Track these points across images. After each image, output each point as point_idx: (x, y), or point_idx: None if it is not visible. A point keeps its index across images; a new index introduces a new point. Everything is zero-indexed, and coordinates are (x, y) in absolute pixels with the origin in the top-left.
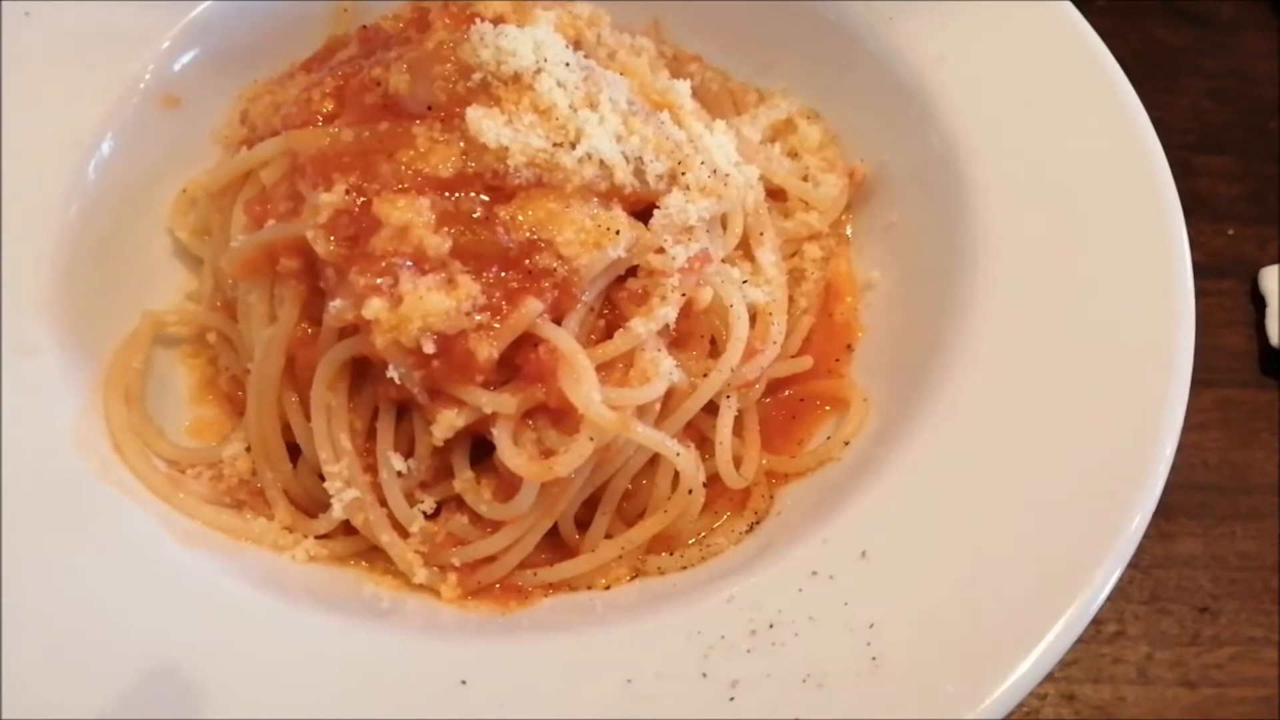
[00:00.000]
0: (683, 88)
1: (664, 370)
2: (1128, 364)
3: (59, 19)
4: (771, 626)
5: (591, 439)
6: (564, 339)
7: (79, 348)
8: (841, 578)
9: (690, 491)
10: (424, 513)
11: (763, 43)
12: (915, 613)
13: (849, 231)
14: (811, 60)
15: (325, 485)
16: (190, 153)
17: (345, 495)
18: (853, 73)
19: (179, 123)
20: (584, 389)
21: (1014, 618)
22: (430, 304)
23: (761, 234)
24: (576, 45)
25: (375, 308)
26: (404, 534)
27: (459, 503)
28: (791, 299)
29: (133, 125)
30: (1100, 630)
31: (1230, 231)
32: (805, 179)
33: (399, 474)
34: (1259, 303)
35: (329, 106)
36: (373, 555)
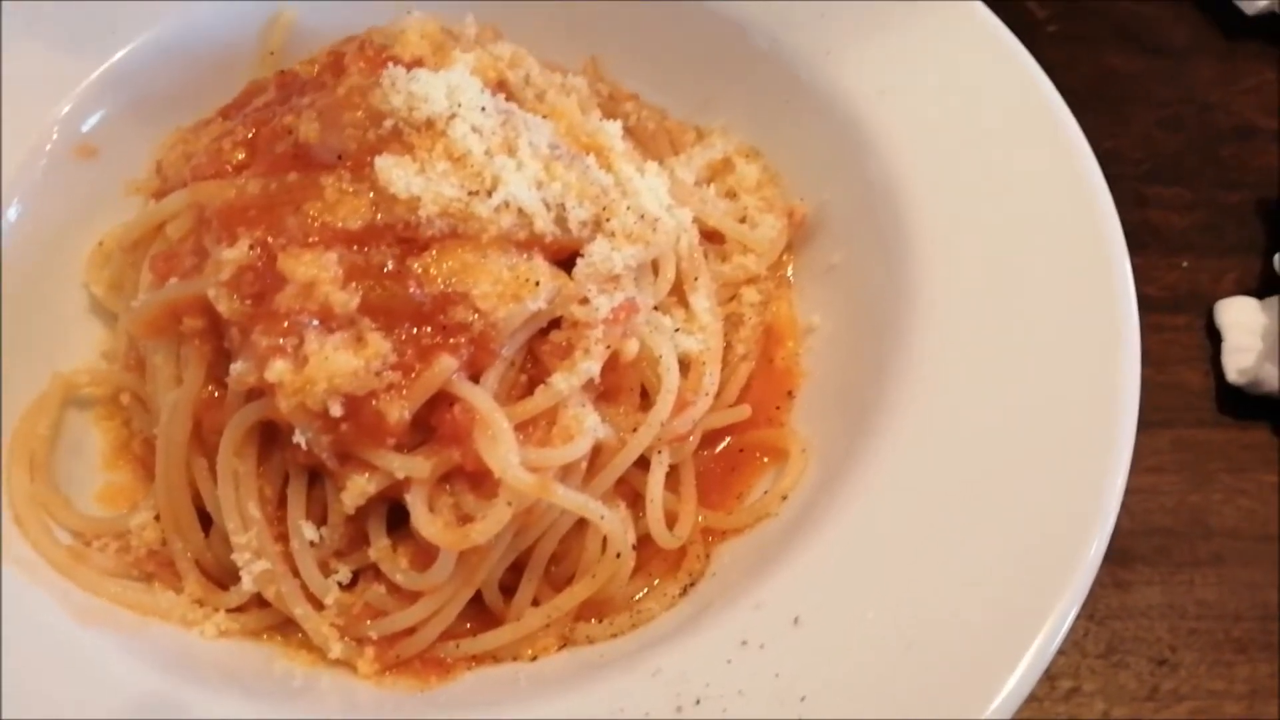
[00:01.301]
0: (613, 129)
1: (588, 427)
2: (1073, 405)
3: None
4: (698, 702)
5: (510, 504)
6: (480, 397)
7: None
8: (772, 646)
9: (619, 555)
10: (339, 583)
11: (701, 79)
12: (849, 684)
13: (789, 273)
14: (750, 96)
15: (234, 556)
16: (107, 204)
17: (255, 567)
18: (791, 108)
19: (95, 172)
20: (501, 451)
21: (957, 683)
22: (336, 364)
23: (696, 279)
24: (500, 87)
25: (279, 370)
26: (319, 606)
27: (376, 572)
28: (729, 345)
29: (44, 179)
30: (1055, 687)
31: (1185, 264)
32: (743, 220)
33: (311, 543)
34: (1215, 337)
35: (240, 156)
36: (288, 628)
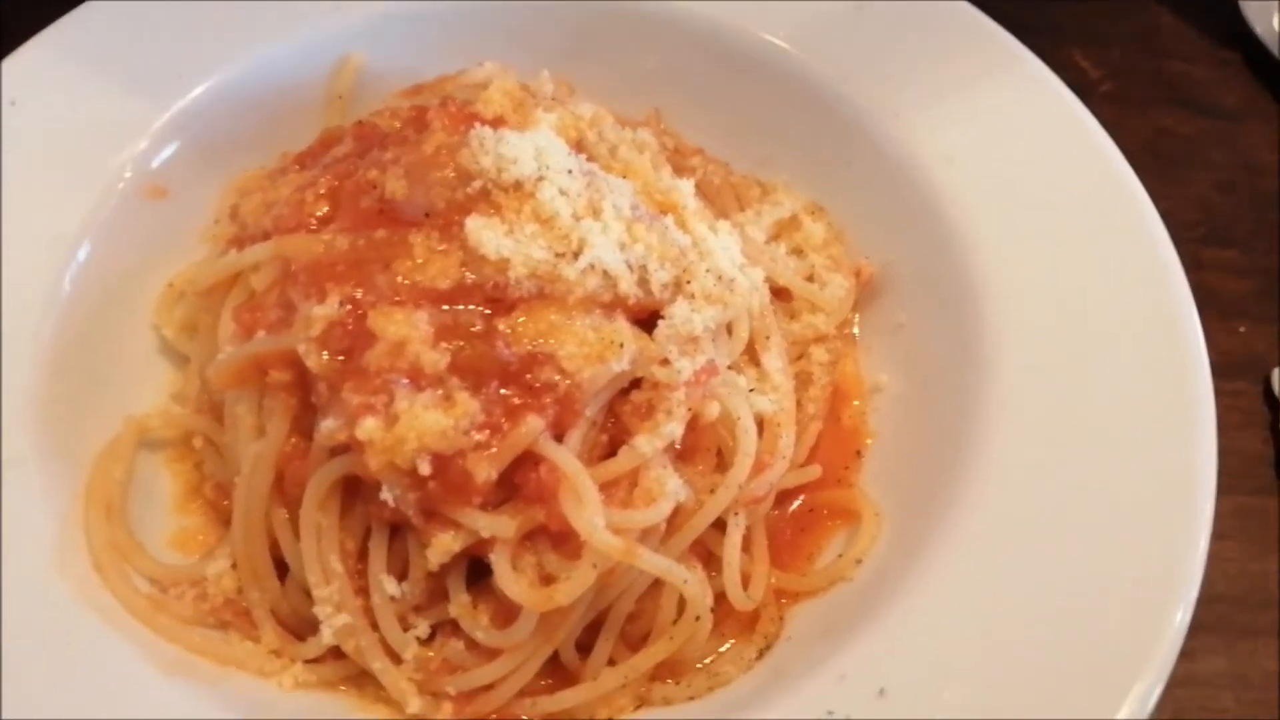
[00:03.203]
0: (686, 187)
1: (670, 490)
2: (1151, 473)
3: (43, 111)
4: None
5: (595, 566)
6: (566, 459)
7: (59, 457)
8: (859, 716)
9: (698, 618)
10: (418, 638)
11: (764, 134)
12: None
13: (855, 332)
14: (814, 153)
15: (315, 609)
16: (176, 244)
17: (336, 620)
18: (855, 167)
19: (165, 214)
20: (587, 513)
21: None
22: (427, 423)
23: (768, 338)
24: (578, 146)
25: (369, 428)
26: (397, 660)
27: (454, 626)
28: (799, 404)
29: (115, 221)
30: None
31: (1241, 329)
32: (810, 278)
33: (392, 598)
34: (1272, 403)
35: (323, 209)
36: (363, 680)
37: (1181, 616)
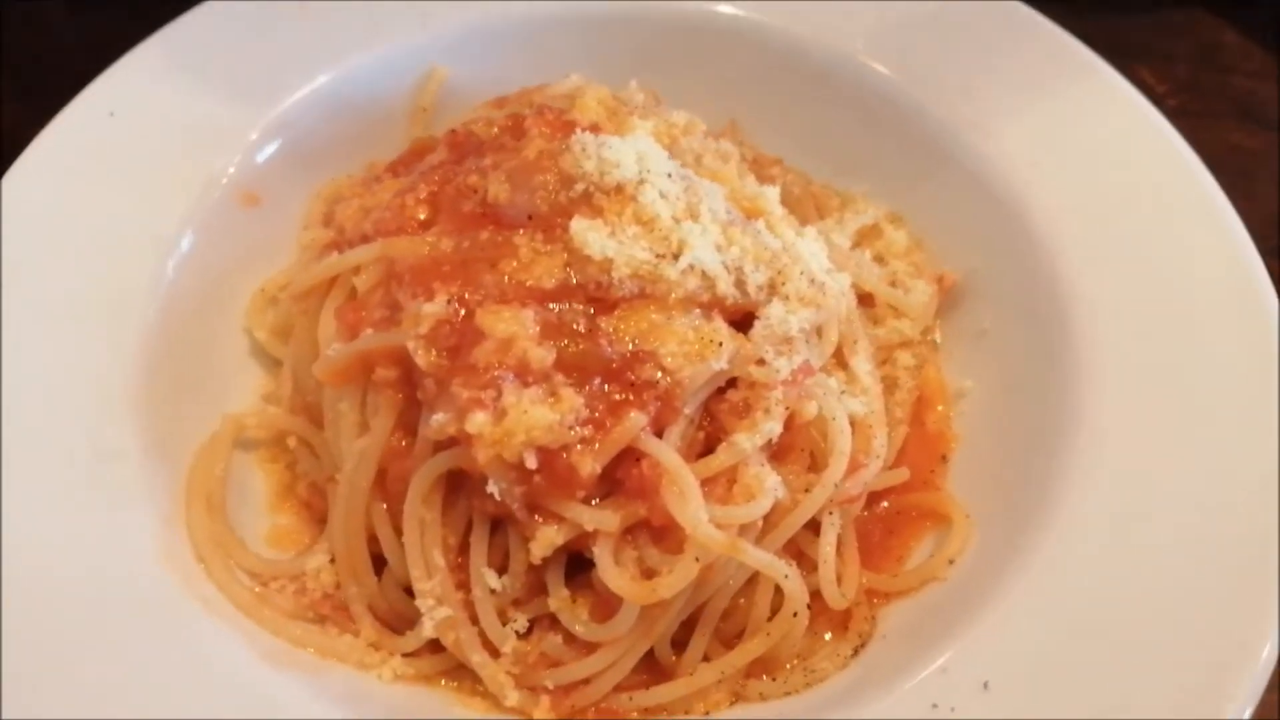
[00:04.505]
0: (772, 193)
1: (769, 487)
2: (1242, 474)
3: (142, 118)
4: None
5: (697, 559)
6: (668, 455)
7: (160, 452)
8: (963, 710)
9: (795, 614)
10: (516, 632)
11: (840, 146)
12: None
13: (938, 339)
14: (891, 164)
15: (416, 602)
16: (265, 251)
17: (437, 613)
18: (934, 178)
19: (256, 221)
20: (691, 508)
21: None
22: (534, 418)
23: (855, 342)
24: (670, 153)
25: (479, 421)
26: (495, 654)
27: (552, 621)
28: (885, 408)
29: (213, 222)
30: None
31: None
32: (893, 285)
33: (492, 591)
34: None
35: (423, 213)
36: (460, 674)
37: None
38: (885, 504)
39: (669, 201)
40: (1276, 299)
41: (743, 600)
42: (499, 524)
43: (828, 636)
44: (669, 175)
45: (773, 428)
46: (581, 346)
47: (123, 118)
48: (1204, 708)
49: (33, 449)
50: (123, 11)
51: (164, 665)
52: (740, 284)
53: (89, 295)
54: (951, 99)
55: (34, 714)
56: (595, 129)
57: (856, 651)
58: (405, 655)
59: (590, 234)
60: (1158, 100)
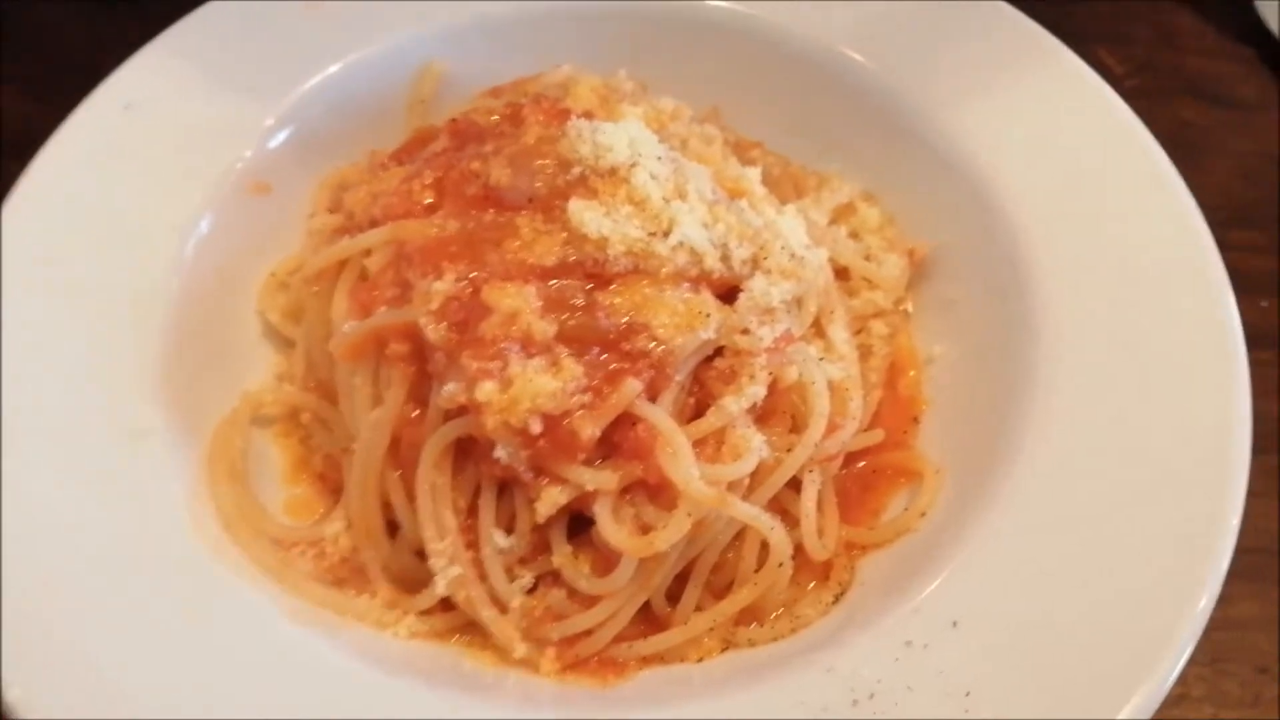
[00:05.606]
0: (753, 174)
1: (754, 446)
2: (1188, 428)
3: (156, 111)
4: (872, 696)
5: (690, 514)
6: (661, 418)
7: (184, 428)
8: (935, 646)
9: (780, 565)
10: (523, 588)
11: (816, 131)
12: (1008, 680)
13: (909, 309)
14: (865, 146)
15: (429, 563)
16: (275, 237)
17: (449, 572)
18: (906, 158)
19: (267, 208)
20: (683, 466)
21: (1098, 680)
22: (538, 386)
23: (833, 312)
24: (659, 138)
25: (487, 390)
26: (503, 609)
27: (555, 577)
28: (861, 373)
29: (227, 209)
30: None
31: (1264, 304)
32: (868, 259)
33: (500, 550)
34: None
35: (428, 198)
36: (470, 631)
37: (1222, 562)
38: (862, 463)
39: (659, 183)
40: (1223, 267)
41: (731, 554)
42: (505, 487)
43: (810, 586)
44: (659, 158)
45: (757, 392)
46: (580, 319)
47: (138, 111)
48: (1157, 641)
49: (65, 429)
50: (133, 11)
51: (200, 626)
52: (725, 259)
53: (114, 282)
54: (921, 84)
55: (85, 670)
56: (589, 116)
57: (837, 599)
58: (419, 614)
59: (587, 214)
60: (1117, 81)
